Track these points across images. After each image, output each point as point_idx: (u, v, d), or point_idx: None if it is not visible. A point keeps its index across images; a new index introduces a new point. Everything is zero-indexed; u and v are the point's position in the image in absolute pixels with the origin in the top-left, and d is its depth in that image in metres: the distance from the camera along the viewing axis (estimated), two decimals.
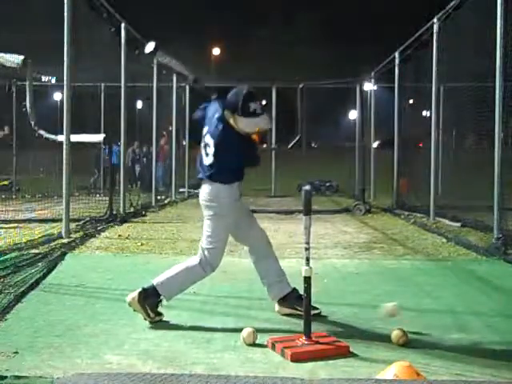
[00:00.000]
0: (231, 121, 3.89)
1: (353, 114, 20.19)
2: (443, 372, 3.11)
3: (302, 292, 3.64)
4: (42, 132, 9.77)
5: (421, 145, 12.34)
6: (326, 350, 3.37)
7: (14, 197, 15.04)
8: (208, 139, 4.02)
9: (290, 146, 16.13)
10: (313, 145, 42.28)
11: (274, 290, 4.24)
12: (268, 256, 4.25)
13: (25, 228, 8.35)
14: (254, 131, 3.92)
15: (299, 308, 4.09)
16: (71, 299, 4.61)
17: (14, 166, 16.80)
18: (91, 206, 10.53)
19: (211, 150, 3.98)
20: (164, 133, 16.53)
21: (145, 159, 17.48)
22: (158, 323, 3.95)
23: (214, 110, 4.05)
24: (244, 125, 3.86)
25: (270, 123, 4.01)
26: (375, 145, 14.09)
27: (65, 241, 7.30)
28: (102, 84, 15.55)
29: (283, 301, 4.22)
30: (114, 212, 9.98)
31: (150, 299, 3.92)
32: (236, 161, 3.96)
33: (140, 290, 3.95)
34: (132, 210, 11.02)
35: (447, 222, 9.58)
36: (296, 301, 4.10)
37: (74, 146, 8.21)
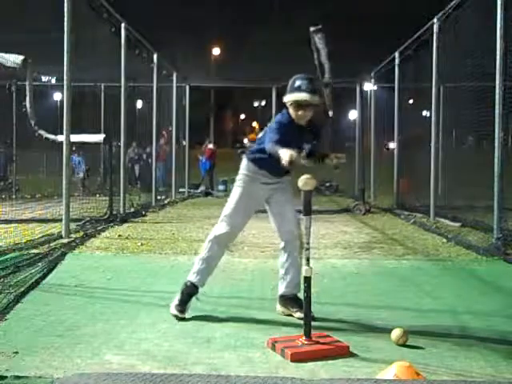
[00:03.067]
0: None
1: (353, 114, 20.17)
2: (443, 372, 3.11)
3: (302, 292, 3.64)
4: (41, 132, 9.79)
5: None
6: (326, 350, 3.37)
7: (13, 197, 15.06)
8: None
9: None
10: None
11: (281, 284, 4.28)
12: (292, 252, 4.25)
13: (25, 228, 8.35)
14: (290, 101, 4.02)
15: (291, 309, 4.16)
16: (71, 299, 4.61)
17: (14, 165, 16.80)
18: (91, 206, 10.52)
19: None
20: (164, 132, 16.54)
21: (148, 158, 17.52)
22: (158, 323, 3.95)
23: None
24: (285, 98, 4.06)
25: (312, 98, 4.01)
26: (392, 145, 13.96)
27: (65, 241, 7.30)
28: (102, 84, 15.57)
29: (280, 298, 4.26)
30: (114, 212, 9.98)
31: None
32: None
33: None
34: (132, 210, 11.03)
35: (447, 222, 9.58)
36: (290, 302, 4.18)
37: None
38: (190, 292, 4.14)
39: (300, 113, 4.05)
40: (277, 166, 3.96)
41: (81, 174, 16.89)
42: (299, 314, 4.00)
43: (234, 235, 4.26)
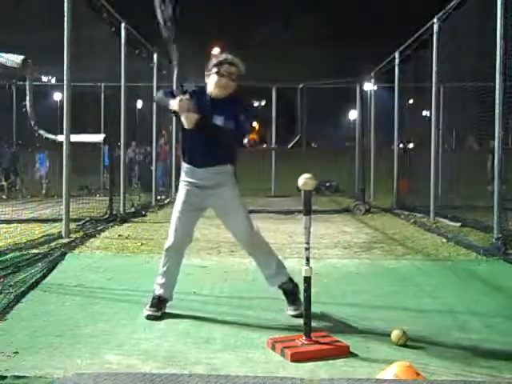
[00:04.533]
0: None
1: (353, 114, 20.18)
2: (443, 372, 3.11)
3: (302, 292, 3.65)
4: (41, 132, 9.79)
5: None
6: (325, 350, 3.37)
7: (13, 196, 15.04)
8: None
9: (290, 146, 16.12)
10: (313, 145, 42.31)
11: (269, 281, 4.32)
12: (253, 254, 4.31)
13: (25, 228, 8.35)
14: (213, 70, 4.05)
15: (286, 304, 4.18)
16: (71, 299, 4.61)
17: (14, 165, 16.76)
18: (91, 206, 10.52)
19: None
20: (164, 132, 16.53)
21: (145, 158, 17.49)
22: (158, 323, 3.95)
23: None
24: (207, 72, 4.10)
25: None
26: (411, 146, 13.76)
27: (65, 241, 7.29)
28: (102, 84, 15.56)
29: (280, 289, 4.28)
30: (114, 212, 9.97)
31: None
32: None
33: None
34: (132, 209, 11.03)
35: (447, 222, 9.58)
36: (287, 297, 4.21)
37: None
38: (159, 303, 4.15)
39: (217, 90, 4.03)
40: (194, 150, 4.02)
41: (42, 172, 16.17)
42: (290, 312, 4.11)
43: (182, 244, 4.18)
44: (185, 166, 4.16)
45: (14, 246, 6.71)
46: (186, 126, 3.95)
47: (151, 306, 4.12)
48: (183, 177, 4.17)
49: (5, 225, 8.56)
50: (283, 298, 4.29)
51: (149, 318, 4.05)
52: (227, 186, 4.12)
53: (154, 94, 4.21)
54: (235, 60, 4.06)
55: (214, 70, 4.04)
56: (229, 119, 3.99)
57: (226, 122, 3.98)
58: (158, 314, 4.09)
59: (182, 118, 3.94)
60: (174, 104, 3.90)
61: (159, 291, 4.18)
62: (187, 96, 3.88)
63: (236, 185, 4.17)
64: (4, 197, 14.89)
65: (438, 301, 4.67)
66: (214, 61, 4.06)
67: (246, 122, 4.13)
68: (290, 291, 4.18)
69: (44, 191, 15.39)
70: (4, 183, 15.50)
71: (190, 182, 4.13)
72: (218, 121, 3.99)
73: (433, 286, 5.24)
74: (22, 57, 8.58)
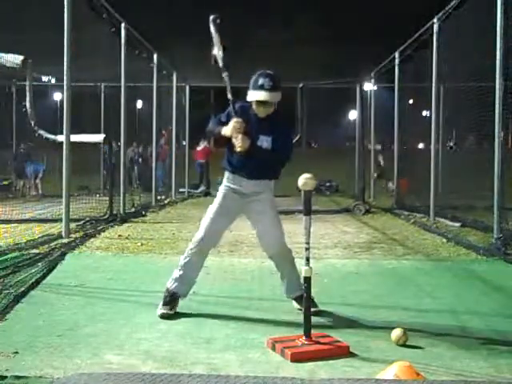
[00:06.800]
0: None
1: (353, 114, 20.19)
2: (443, 372, 3.11)
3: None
4: (41, 132, 9.78)
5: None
6: (325, 350, 3.37)
7: (13, 197, 15.04)
8: None
9: None
10: (313, 145, 42.33)
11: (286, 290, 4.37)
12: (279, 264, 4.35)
13: (25, 228, 8.35)
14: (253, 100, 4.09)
15: (301, 306, 4.16)
16: (71, 299, 4.61)
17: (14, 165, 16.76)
18: (91, 206, 10.51)
19: None
20: (164, 132, 16.52)
21: (145, 158, 17.47)
22: (158, 323, 3.96)
23: None
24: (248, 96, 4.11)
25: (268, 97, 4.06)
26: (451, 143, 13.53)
27: (65, 241, 7.29)
28: (102, 84, 15.57)
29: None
30: (114, 212, 9.97)
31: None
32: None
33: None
34: (132, 209, 11.03)
35: (447, 222, 9.58)
36: (300, 300, 4.18)
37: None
38: (172, 300, 4.17)
39: (261, 109, 4.10)
40: (240, 164, 4.06)
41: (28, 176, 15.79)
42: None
43: (210, 242, 4.26)
44: (228, 173, 4.24)
45: (13, 246, 6.71)
46: (237, 149, 3.97)
47: (164, 305, 4.13)
48: (225, 182, 4.25)
49: (5, 225, 8.56)
50: (284, 298, 4.31)
51: (163, 316, 4.05)
52: (265, 197, 4.23)
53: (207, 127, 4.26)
54: (270, 99, 4.04)
55: (253, 98, 4.07)
56: (276, 141, 4.08)
57: (274, 145, 4.07)
58: (172, 312, 4.10)
59: (234, 140, 3.98)
60: (227, 129, 4.00)
61: (173, 287, 4.17)
62: (240, 119, 3.97)
63: (273, 197, 4.32)
64: (22, 195, 14.95)
65: (438, 301, 4.67)
66: (253, 85, 4.06)
67: (291, 144, 4.31)
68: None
69: (39, 191, 15.36)
70: (12, 182, 15.53)
71: (231, 188, 4.21)
72: (265, 143, 4.06)
73: (433, 286, 5.24)
74: (21, 57, 8.57)
